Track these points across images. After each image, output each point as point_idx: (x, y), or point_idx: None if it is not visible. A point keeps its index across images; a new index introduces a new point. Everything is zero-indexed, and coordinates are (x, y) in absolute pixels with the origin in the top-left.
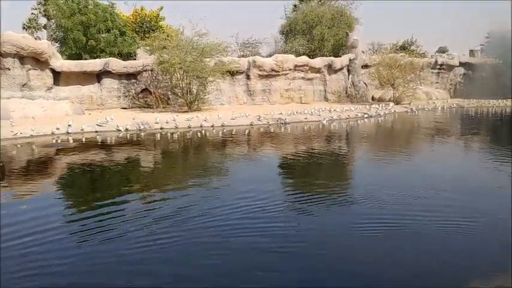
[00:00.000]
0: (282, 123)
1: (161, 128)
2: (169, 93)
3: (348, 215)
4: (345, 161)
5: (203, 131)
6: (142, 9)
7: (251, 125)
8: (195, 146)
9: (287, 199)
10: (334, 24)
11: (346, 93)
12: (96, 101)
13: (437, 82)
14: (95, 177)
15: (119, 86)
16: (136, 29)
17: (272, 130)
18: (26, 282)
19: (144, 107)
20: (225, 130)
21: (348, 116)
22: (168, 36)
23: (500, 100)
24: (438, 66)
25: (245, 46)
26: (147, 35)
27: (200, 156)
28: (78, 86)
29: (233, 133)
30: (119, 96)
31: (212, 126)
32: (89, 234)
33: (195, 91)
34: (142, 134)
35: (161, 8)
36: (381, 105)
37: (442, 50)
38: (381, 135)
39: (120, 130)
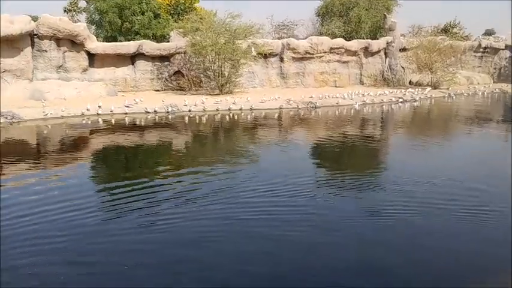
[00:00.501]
0: (312, 107)
1: (189, 111)
2: (202, 75)
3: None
4: (374, 147)
5: (231, 114)
6: None
7: (280, 108)
8: (222, 129)
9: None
10: (372, 6)
11: (382, 77)
12: (130, 83)
13: (479, 66)
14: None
15: (152, 69)
16: (171, 11)
17: (301, 114)
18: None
19: (177, 90)
20: (253, 113)
21: (382, 100)
22: (201, 18)
23: None
24: (482, 50)
25: (280, 28)
26: (181, 17)
27: (226, 141)
28: (113, 68)
29: (261, 117)
30: (152, 79)
31: (240, 109)
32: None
33: (226, 74)
34: (170, 116)
35: None
36: (416, 89)
37: (489, 33)
38: (414, 121)
39: (148, 112)
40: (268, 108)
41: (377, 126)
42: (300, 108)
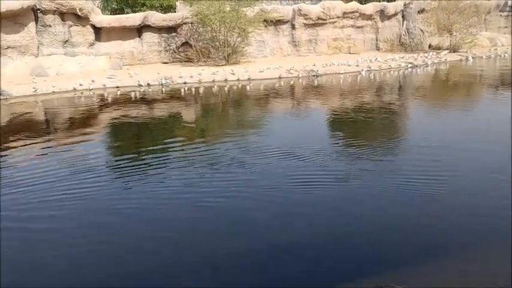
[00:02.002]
0: (313, 76)
1: (184, 83)
2: (210, 46)
3: None
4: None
5: (227, 85)
6: None
7: (280, 78)
8: (210, 101)
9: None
10: None
11: (399, 41)
12: (137, 56)
13: (505, 27)
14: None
15: (160, 40)
16: None
17: (299, 83)
18: None
19: (185, 61)
20: (251, 84)
21: (389, 66)
22: None
23: None
24: (508, 9)
25: None
26: None
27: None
28: (119, 41)
29: (255, 87)
30: (160, 51)
31: (238, 80)
32: None
33: (232, 43)
34: (163, 88)
35: None
36: (431, 54)
37: None
38: (412, 86)
39: (141, 85)
40: (267, 78)
41: (369, 94)
42: (300, 77)
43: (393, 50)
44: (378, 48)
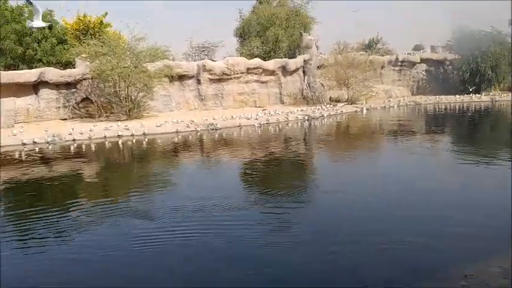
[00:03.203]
0: (212, 129)
1: (73, 140)
2: (113, 101)
3: None
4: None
5: (120, 141)
6: (84, 16)
7: (177, 132)
8: (89, 159)
9: None
10: (289, 25)
11: (302, 95)
12: (33, 113)
13: (399, 80)
14: None
15: (58, 96)
16: (81, 37)
17: (196, 137)
18: None
19: (86, 117)
20: (146, 139)
21: (287, 119)
22: (102, 42)
23: (457, 96)
24: (399, 63)
25: (200, 50)
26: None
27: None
28: (13, 98)
29: (149, 143)
30: (58, 107)
31: (132, 135)
32: None
33: (133, 98)
34: (50, 147)
35: (105, 14)
36: (328, 106)
37: (418, 48)
38: (301, 137)
39: (25, 144)
40: (163, 133)
41: (259, 146)
42: (199, 131)
43: (296, 103)
44: (282, 102)
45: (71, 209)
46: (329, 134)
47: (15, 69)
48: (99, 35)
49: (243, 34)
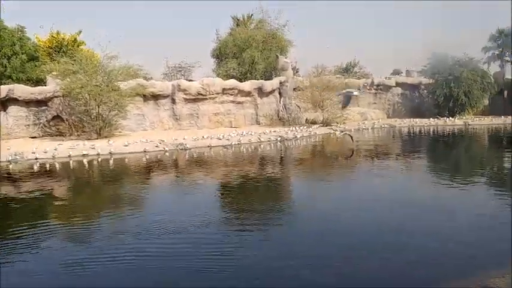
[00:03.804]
0: (181, 149)
1: (36, 159)
2: (84, 119)
3: None
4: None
5: (84, 160)
6: (58, 33)
7: (145, 151)
8: (45, 181)
9: None
10: (265, 47)
11: (278, 116)
12: (1, 131)
13: (374, 102)
14: None
15: (28, 114)
16: (53, 54)
17: (163, 157)
18: None
19: (56, 135)
20: (112, 158)
21: (259, 139)
22: (74, 60)
23: (431, 119)
24: (375, 87)
25: (177, 70)
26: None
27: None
28: None
29: (112, 163)
30: (28, 125)
31: (97, 154)
32: None
33: (104, 116)
34: (11, 165)
35: (79, 32)
36: (301, 128)
37: (397, 72)
38: (266, 159)
39: None
40: (130, 152)
41: (228, 166)
42: (167, 151)
43: (272, 124)
44: (258, 123)
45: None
46: (298, 155)
47: None
48: (71, 53)
49: (219, 55)
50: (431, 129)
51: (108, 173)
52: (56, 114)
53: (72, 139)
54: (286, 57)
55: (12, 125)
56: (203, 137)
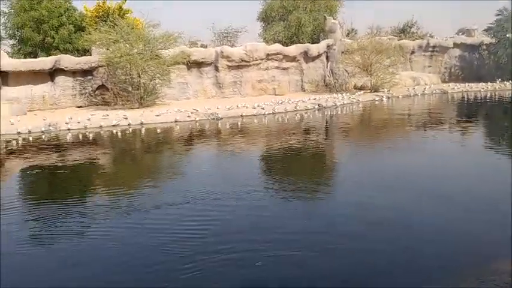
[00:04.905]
0: (213, 119)
1: (68, 129)
2: (130, 88)
3: None
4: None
5: (114, 131)
6: (104, 2)
7: (176, 121)
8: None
9: None
10: (313, 8)
11: (324, 82)
12: (49, 101)
13: (429, 66)
14: None
15: (74, 84)
16: (100, 23)
17: (194, 127)
18: None
19: (102, 105)
20: (143, 129)
21: (295, 108)
22: (114, 29)
23: (489, 84)
24: (430, 49)
25: (224, 36)
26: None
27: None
28: (30, 85)
29: (141, 133)
30: (74, 95)
31: (129, 124)
32: None
33: (144, 85)
34: (44, 136)
35: (125, 1)
36: (344, 94)
37: (462, 32)
38: (303, 129)
39: (20, 133)
40: (161, 122)
41: (241, 139)
42: (198, 121)
43: (318, 90)
44: (303, 89)
45: None
46: (325, 126)
47: (34, 57)
48: (114, 22)
49: (265, 19)
50: (488, 95)
51: (131, 144)
52: (101, 83)
53: (116, 108)
54: (334, 19)
55: (59, 95)
56: (237, 106)
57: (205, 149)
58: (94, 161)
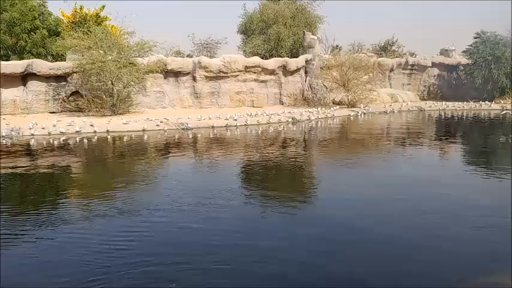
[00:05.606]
0: (183, 129)
1: (32, 135)
2: (103, 95)
3: None
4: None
5: (79, 138)
6: (81, 8)
7: (143, 130)
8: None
9: None
10: (294, 23)
11: (302, 96)
12: (20, 105)
13: (408, 84)
14: None
15: (47, 89)
16: (76, 29)
17: (154, 137)
18: None
19: (75, 111)
20: (109, 136)
21: (268, 121)
22: (87, 33)
23: (465, 103)
24: (409, 67)
25: (203, 46)
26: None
27: None
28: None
29: (103, 141)
30: (47, 100)
31: (94, 132)
32: None
33: (117, 93)
34: (5, 141)
35: (103, 8)
36: (319, 109)
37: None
38: (254, 142)
39: None
40: (128, 131)
41: (204, 149)
42: (165, 131)
43: (296, 104)
44: (281, 103)
45: None
46: (296, 139)
47: (6, 60)
48: (88, 29)
49: (245, 31)
50: (464, 114)
51: (89, 152)
52: (75, 89)
53: (89, 115)
54: (314, 34)
55: (31, 99)
56: (209, 117)
57: (158, 160)
58: (36, 169)
